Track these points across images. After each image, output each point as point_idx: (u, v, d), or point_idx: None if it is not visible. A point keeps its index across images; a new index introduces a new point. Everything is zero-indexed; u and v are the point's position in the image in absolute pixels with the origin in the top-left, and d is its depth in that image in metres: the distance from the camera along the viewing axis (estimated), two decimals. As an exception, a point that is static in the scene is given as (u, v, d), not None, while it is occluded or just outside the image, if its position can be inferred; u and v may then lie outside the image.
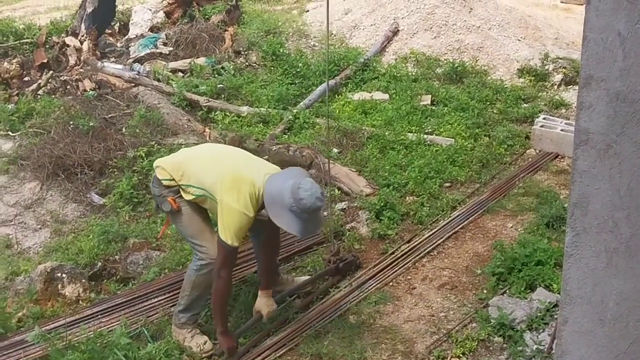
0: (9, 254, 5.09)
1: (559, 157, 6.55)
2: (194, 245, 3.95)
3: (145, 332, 4.08)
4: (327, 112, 5.42)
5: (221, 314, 3.88)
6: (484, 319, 4.10)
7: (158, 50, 9.02)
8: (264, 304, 4.10)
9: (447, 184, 6.05)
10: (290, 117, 7.22)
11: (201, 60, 8.80)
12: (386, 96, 7.95)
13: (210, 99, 7.62)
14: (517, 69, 8.67)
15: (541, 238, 4.87)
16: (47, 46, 9.05)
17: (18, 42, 9.02)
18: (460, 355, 3.86)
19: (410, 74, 8.56)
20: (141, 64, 8.62)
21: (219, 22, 9.67)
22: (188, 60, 8.76)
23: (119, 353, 3.70)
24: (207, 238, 3.92)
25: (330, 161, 5.98)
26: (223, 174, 3.73)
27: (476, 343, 3.94)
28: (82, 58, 8.72)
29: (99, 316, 4.24)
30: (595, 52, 1.92)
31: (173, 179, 3.90)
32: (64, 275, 4.50)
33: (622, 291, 2.08)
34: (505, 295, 4.34)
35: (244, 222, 3.65)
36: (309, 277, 4.61)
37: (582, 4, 10.57)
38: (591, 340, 2.18)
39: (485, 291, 4.47)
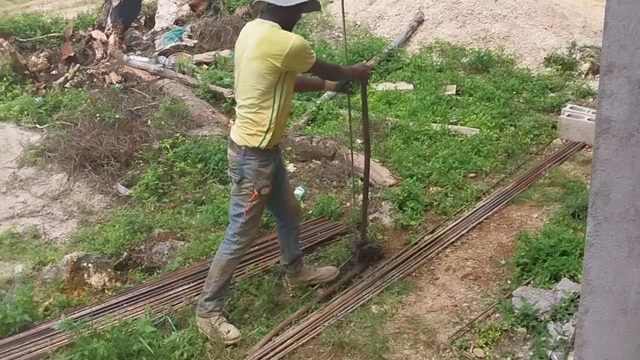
0: (37, 244, 5.18)
1: (586, 146, 6.47)
2: (243, 225, 3.95)
3: (170, 320, 4.12)
4: (348, 104, 5.37)
5: None
6: (507, 309, 4.07)
7: (183, 43, 9.10)
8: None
9: (472, 175, 6.02)
10: (314, 108, 7.22)
11: (226, 53, 8.85)
12: (410, 86, 7.91)
13: (234, 91, 7.65)
14: (544, 58, 8.57)
15: (566, 228, 4.81)
16: (74, 40, 9.19)
17: (45, 35, 9.17)
18: (483, 345, 3.84)
19: (435, 63, 8.52)
20: (166, 57, 8.70)
21: (243, 14, 9.72)
22: (213, 53, 8.82)
23: (143, 341, 3.74)
24: (254, 227, 4.02)
25: (354, 152, 5.99)
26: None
27: (499, 333, 3.92)
28: (108, 51, 8.83)
29: (124, 305, 4.29)
30: (617, 39, 1.89)
31: None
32: (90, 264, 4.56)
33: (644, 281, 2.05)
34: (529, 285, 4.30)
35: None
36: (332, 266, 4.62)
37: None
38: (612, 330, 2.16)
39: (509, 282, 4.44)
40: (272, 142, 3.81)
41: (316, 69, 3.84)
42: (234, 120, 7.08)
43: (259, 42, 3.62)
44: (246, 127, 3.77)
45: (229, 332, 3.95)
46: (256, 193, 3.82)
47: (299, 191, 5.65)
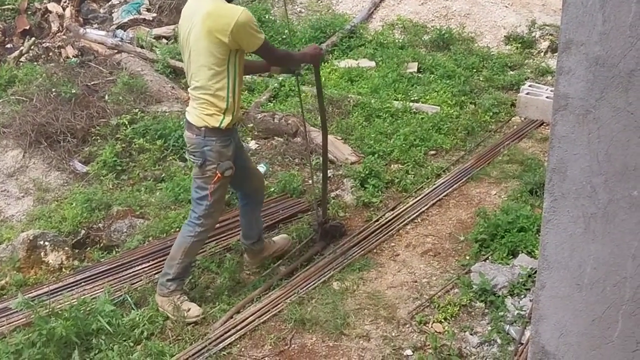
0: (-8, 222, 5.06)
1: (544, 124, 6.56)
2: (207, 208, 3.89)
3: (129, 299, 4.08)
4: (297, 84, 5.35)
5: None
6: (466, 284, 4.14)
7: (141, 17, 8.90)
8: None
9: (432, 152, 6.06)
10: (276, 85, 7.17)
11: (185, 27, 8.68)
12: (372, 64, 7.90)
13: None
14: (504, 36, 8.64)
15: (524, 205, 4.89)
16: (29, 12, 8.91)
17: (-1, 8, 8.87)
18: (442, 320, 3.89)
19: (397, 41, 8.51)
20: (124, 31, 8.51)
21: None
22: (172, 27, 8.64)
23: (102, 320, 3.70)
24: (219, 209, 4.00)
25: (314, 129, 5.97)
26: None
27: (458, 308, 3.98)
28: (64, 24, 8.60)
29: (83, 284, 4.23)
30: (575, 15, 1.90)
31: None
32: (46, 243, 4.48)
33: (599, 256, 2.09)
34: (487, 261, 4.37)
35: None
36: (285, 234, 4.67)
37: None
38: (568, 305, 2.20)
39: (467, 257, 4.50)
40: (232, 121, 3.76)
41: (264, 50, 3.72)
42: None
43: (204, 18, 3.51)
44: (204, 108, 3.70)
45: (189, 310, 3.93)
46: (219, 175, 3.77)
47: (261, 168, 5.61)
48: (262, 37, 3.65)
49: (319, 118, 6.29)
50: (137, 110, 6.32)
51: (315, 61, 4.29)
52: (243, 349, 3.74)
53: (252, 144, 6.19)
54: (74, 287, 4.19)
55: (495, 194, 5.34)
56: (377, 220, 4.97)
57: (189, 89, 3.84)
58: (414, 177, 5.57)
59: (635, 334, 2.10)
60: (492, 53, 8.22)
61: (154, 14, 9.01)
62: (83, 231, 4.79)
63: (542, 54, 8.28)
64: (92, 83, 6.96)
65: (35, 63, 7.60)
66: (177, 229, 4.75)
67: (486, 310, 3.98)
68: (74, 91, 6.39)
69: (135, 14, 8.95)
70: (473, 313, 3.98)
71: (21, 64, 7.55)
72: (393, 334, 3.80)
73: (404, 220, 4.96)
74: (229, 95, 3.68)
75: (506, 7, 9.17)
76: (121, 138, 5.90)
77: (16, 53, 7.77)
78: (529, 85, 7.04)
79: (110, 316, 3.76)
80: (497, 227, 4.56)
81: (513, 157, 5.87)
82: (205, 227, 3.95)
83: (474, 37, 8.67)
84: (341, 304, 4.05)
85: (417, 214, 5.06)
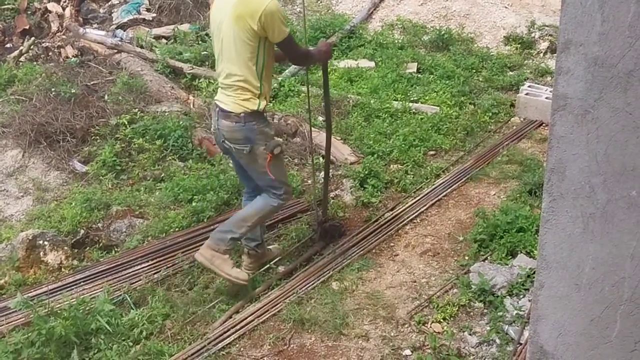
0: (-9, 221, 5.06)
1: (543, 125, 6.56)
2: (278, 184, 3.99)
3: (128, 298, 4.08)
4: (307, 80, 5.34)
5: None
6: (465, 285, 4.14)
7: (141, 17, 8.91)
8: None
9: (432, 152, 6.06)
10: (275, 85, 7.16)
11: (185, 27, 8.71)
12: (372, 64, 7.90)
13: (194, 66, 7.55)
14: (504, 37, 8.64)
15: (523, 205, 4.89)
16: (28, 12, 8.93)
17: (-1, 8, 8.88)
18: (441, 320, 3.90)
19: (396, 41, 8.52)
20: (124, 31, 8.51)
21: (202, -13, 9.53)
22: (172, 27, 8.66)
23: (101, 319, 3.70)
24: (285, 175, 4.15)
25: (315, 129, 5.97)
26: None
27: (457, 308, 3.98)
28: (64, 24, 8.61)
29: (82, 283, 4.23)
30: (574, 15, 1.90)
31: None
32: (45, 242, 4.48)
33: (597, 256, 2.09)
34: (486, 261, 4.37)
35: None
36: (276, 244, 4.72)
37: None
38: (567, 305, 2.20)
39: (466, 258, 4.51)
40: (266, 105, 3.87)
41: (287, 43, 3.78)
42: (193, 96, 7.04)
43: (235, 5, 3.63)
44: (239, 94, 3.77)
45: (238, 272, 4.03)
46: (271, 155, 3.84)
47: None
48: (287, 30, 3.74)
49: (319, 117, 6.35)
50: (136, 110, 6.32)
51: (327, 58, 4.35)
52: (242, 349, 3.74)
53: (252, 144, 6.18)
54: (73, 287, 4.19)
55: (494, 194, 5.34)
56: (376, 221, 4.97)
57: (220, 78, 3.89)
58: (413, 177, 5.57)
59: (633, 334, 2.10)
60: (491, 53, 8.22)
61: (154, 14, 9.03)
62: (82, 231, 4.79)
63: (541, 54, 8.29)
64: (92, 83, 6.97)
65: (35, 63, 7.61)
66: (177, 229, 4.76)
67: (485, 311, 3.98)
68: (73, 91, 6.39)
69: (135, 14, 8.96)
70: (472, 313, 3.98)
71: (21, 63, 7.56)
72: (392, 334, 3.81)
73: (403, 221, 4.96)
74: (261, 80, 3.76)
75: (506, 7, 9.18)
76: (121, 138, 5.90)
77: (16, 53, 7.79)
78: (528, 86, 7.05)
79: (109, 316, 3.76)
80: (496, 228, 4.56)
81: (512, 157, 5.87)
82: (286, 197, 4.11)
83: (474, 38, 8.67)
84: (340, 304, 4.05)
85: (416, 214, 5.06)
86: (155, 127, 5.97)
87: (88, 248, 4.73)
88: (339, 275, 4.34)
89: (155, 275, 4.26)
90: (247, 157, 3.88)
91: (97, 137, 5.95)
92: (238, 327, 3.86)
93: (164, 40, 8.40)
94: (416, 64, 7.81)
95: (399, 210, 5.10)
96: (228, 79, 3.78)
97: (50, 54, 7.92)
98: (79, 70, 7.27)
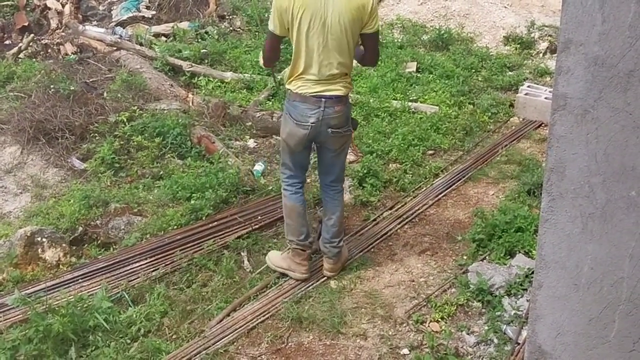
0: (-11, 218, 5.05)
1: (542, 125, 6.57)
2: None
3: (126, 296, 4.08)
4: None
5: None
6: (463, 284, 4.14)
7: (140, 14, 8.90)
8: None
9: (431, 152, 6.06)
10: (275, 84, 7.15)
11: (184, 25, 8.69)
12: (371, 63, 7.89)
13: (193, 64, 7.54)
14: (503, 37, 8.65)
15: (522, 205, 4.90)
16: (27, 9, 8.91)
17: (-2, 4, 8.86)
18: (439, 319, 3.90)
19: (396, 40, 8.52)
20: (123, 28, 8.50)
21: (201, -14, 9.53)
22: (171, 24, 8.65)
23: (99, 317, 3.70)
24: None
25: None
26: None
27: (455, 308, 3.98)
28: (63, 21, 8.60)
29: (80, 280, 4.23)
30: (574, 15, 1.91)
31: None
32: (44, 239, 4.47)
33: (596, 256, 2.09)
34: (484, 261, 4.38)
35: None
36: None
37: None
38: (565, 305, 2.20)
39: (465, 257, 4.51)
40: None
41: (376, 36, 3.98)
42: (192, 94, 7.03)
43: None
44: (345, 79, 3.96)
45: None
46: (353, 132, 4.22)
47: (259, 167, 5.61)
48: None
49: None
50: (135, 107, 6.31)
51: None
52: (240, 347, 3.74)
53: (251, 143, 6.19)
54: (71, 284, 4.18)
55: (493, 194, 5.35)
56: (374, 220, 4.97)
57: (323, 70, 3.87)
58: (412, 176, 5.57)
59: (631, 334, 2.10)
60: (491, 53, 8.23)
61: (153, 12, 9.01)
62: (81, 228, 4.78)
63: (541, 54, 8.30)
64: (91, 80, 6.96)
65: (34, 60, 7.59)
66: (175, 226, 4.75)
67: (483, 310, 3.98)
68: (72, 88, 6.38)
69: (135, 11, 8.95)
70: (470, 313, 3.98)
71: (20, 60, 7.55)
72: (390, 333, 3.81)
73: (401, 220, 4.97)
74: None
75: (505, 7, 9.19)
76: (119, 135, 5.88)
77: (15, 49, 7.77)
78: (528, 86, 7.05)
79: (107, 313, 3.76)
80: (494, 227, 4.57)
81: (511, 157, 5.88)
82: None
83: (473, 38, 8.68)
84: (338, 303, 4.05)
85: (414, 213, 5.06)
86: (154, 124, 5.96)
87: (86, 245, 4.72)
88: (337, 274, 4.34)
89: (154, 273, 4.25)
90: (347, 140, 4.15)
91: (96, 135, 5.94)
92: (236, 325, 3.86)
93: (163, 38, 8.39)
94: (415, 63, 7.81)
95: (398, 209, 5.10)
96: (336, 69, 3.87)
97: (49, 50, 7.91)
98: (78, 67, 7.26)
